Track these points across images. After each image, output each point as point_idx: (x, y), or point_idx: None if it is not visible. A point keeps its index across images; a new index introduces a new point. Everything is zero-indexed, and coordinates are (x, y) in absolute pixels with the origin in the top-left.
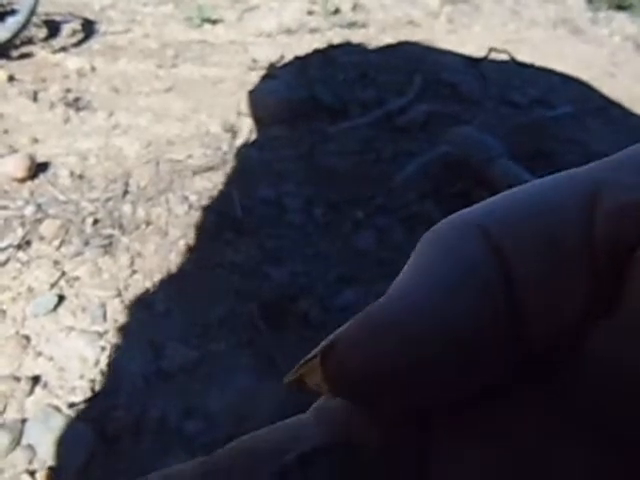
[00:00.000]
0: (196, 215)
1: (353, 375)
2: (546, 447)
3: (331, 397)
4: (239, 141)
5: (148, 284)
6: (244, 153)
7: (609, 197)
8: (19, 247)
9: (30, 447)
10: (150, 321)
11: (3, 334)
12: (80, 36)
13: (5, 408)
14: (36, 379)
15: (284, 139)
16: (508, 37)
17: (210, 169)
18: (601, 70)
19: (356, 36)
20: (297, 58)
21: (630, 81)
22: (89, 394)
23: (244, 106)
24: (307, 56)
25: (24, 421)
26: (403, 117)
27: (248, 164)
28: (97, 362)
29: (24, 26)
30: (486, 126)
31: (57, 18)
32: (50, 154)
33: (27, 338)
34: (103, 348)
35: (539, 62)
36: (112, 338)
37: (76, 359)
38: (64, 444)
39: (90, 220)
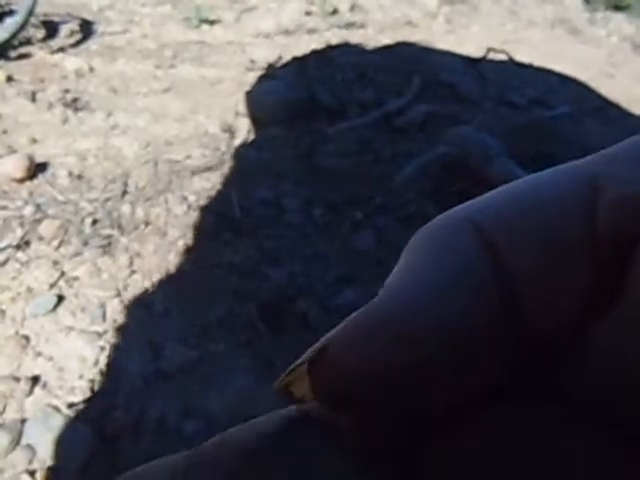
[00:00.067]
0: (195, 215)
1: (346, 378)
2: (546, 446)
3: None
4: (237, 141)
5: (147, 284)
6: (243, 153)
7: (608, 191)
8: (18, 247)
9: (30, 447)
10: (149, 321)
11: (2, 334)
12: (78, 37)
13: (5, 408)
14: (35, 379)
15: (283, 139)
16: (506, 37)
17: (209, 169)
18: (599, 70)
19: (354, 37)
20: (295, 59)
21: (628, 81)
22: (88, 394)
23: (242, 107)
24: (305, 57)
25: (24, 421)
26: (402, 117)
27: (247, 164)
28: (96, 362)
29: (22, 26)
30: (485, 126)
31: (55, 19)
32: (49, 154)
33: (26, 338)
34: (102, 348)
35: (537, 62)
36: (111, 338)
37: (75, 359)
38: (64, 444)
39: (89, 220)
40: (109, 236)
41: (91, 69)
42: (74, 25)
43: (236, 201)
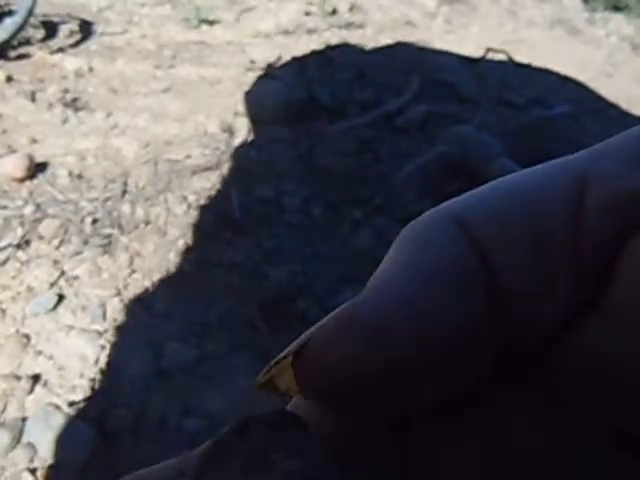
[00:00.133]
0: (195, 215)
1: (328, 373)
2: (540, 446)
3: (300, 400)
4: (237, 141)
5: (147, 283)
6: (242, 153)
7: (596, 187)
8: (18, 246)
9: (31, 445)
10: (149, 320)
11: (3, 333)
12: (78, 37)
13: (5, 407)
14: (36, 378)
15: (282, 139)
16: (505, 37)
17: (208, 169)
18: (598, 70)
19: (354, 37)
20: (295, 59)
21: (627, 81)
22: (89, 393)
23: (242, 106)
24: (305, 57)
25: (24, 419)
26: (401, 117)
27: (246, 164)
28: (97, 361)
29: (22, 27)
30: (484, 126)
31: (55, 19)
32: (49, 154)
33: (27, 337)
34: (103, 347)
35: (536, 62)
36: (112, 337)
37: (76, 358)
38: (64, 442)
39: (89, 220)
40: (109, 235)
41: (91, 69)
42: (73, 25)
43: (236, 201)
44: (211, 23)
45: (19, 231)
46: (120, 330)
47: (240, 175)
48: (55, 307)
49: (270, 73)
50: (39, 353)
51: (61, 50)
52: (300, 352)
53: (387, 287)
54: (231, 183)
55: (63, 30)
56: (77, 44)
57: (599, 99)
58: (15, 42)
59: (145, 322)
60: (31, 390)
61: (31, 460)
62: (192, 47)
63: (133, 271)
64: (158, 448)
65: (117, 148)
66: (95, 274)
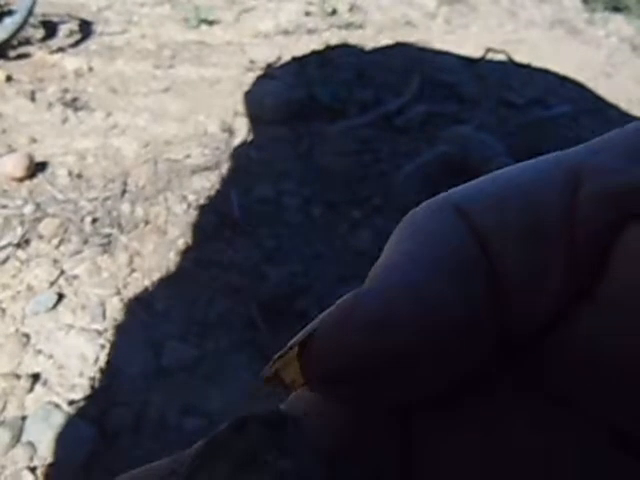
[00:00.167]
0: (194, 214)
1: (333, 363)
2: (538, 446)
3: (301, 392)
4: (237, 141)
5: (147, 283)
6: (242, 153)
7: (591, 178)
8: (18, 246)
9: (30, 444)
10: (149, 319)
11: (3, 332)
12: (77, 37)
13: (5, 405)
14: (36, 377)
15: (282, 139)
16: (505, 38)
17: (208, 169)
18: (598, 71)
19: (353, 37)
20: (294, 59)
21: (627, 82)
22: (89, 392)
23: (242, 106)
24: (304, 57)
25: (24, 418)
26: (401, 117)
27: (246, 164)
28: (97, 360)
29: (21, 27)
30: (484, 126)
31: (54, 19)
32: (48, 154)
33: (27, 336)
34: (102, 346)
35: (536, 62)
36: (111, 336)
37: (76, 357)
38: (64, 441)
39: (89, 219)
40: (109, 235)
41: (90, 69)
42: (73, 25)
43: (236, 200)
44: (211, 23)
45: (19, 230)
46: (120, 329)
47: (240, 175)
48: (55, 306)
49: (270, 73)
50: (39, 352)
51: (61, 50)
52: (305, 342)
53: (389, 275)
54: (231, 183)
55: (63, 30)
56: (77, 44)
57: (599, 99)
58: (15, 42)
59: (145, 321)
60: (31, 389)
61: (31, 459)
62: (192, 47)
63: (133, 270)
64: (158, 447)
65: (117, 148)
66: (95, 273)
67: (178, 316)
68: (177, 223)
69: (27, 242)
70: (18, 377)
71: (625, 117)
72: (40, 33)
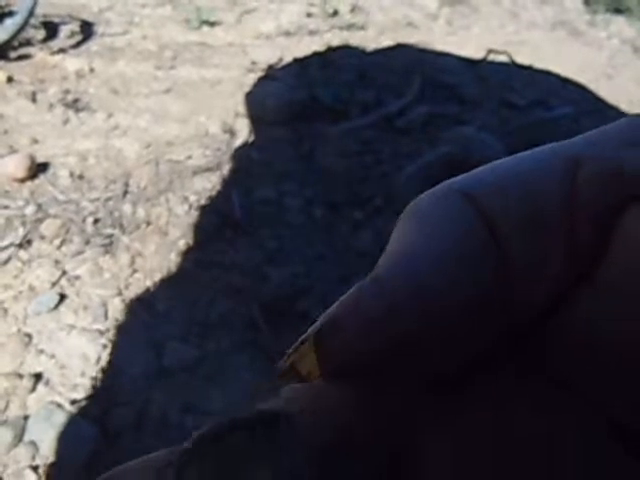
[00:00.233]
0: (196, 215)
1: (348, 349)
2: (539, 431)
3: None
4: (238, 142)
5: (148, 283)
6: (243, 154)
7: (588, 163)
8: (20, 246)
9: (33, 443)
10: (150, 320)
11: (5, 332)
12: (78, 38)
13: (8, 405)
14: (38, 376)
15: (283, 140)
16: (507, 39)
17: (209, 170)
18: (599, 72)
19: (355, 38)
20: (296, 60)
21: (628, 84)
22: (90, 391)
23: (243, 107)
24: (306, 58)
25: (26, 418)
26: (403, 118)
27: (247, 165)
28: (98, 360)
29: (22, 27)
30: (485, 127)
31: (55, 20)
32: (50, 154)
33: (29, 336)
34: (104, 346)
35: (538, 64)
36: (113, 336)
37: (77, 357)
38: (66, 440)
39: (90, 220)
40: (110, 235)
41: (91, 70)
42: (74, 26)
43: (237, 201)
44: (212, 24)
45: (21, 231)
46: (121, 329)
47: (241, 176)
48: (57, 306)
49: (271, 74)
50: (41, 352)
51: (62, 51)
52: (321, 331)
53: (402, 260)
54: (232, 184)
55: (64, 31)
56: (78, 45)
57: (600, 101)
58: (16, 43)
59: (146, 321)
60: (33, 388)
61: (33, 458)
62: (193, 48)
63: (134, 271)
64: (159, 446)
65: (118, 149)
66: (96, 274)
67: (179, 316)
68: (178, 224)
69: (29, 242)
70: (20, 377)
71: None
72: (41, 34)
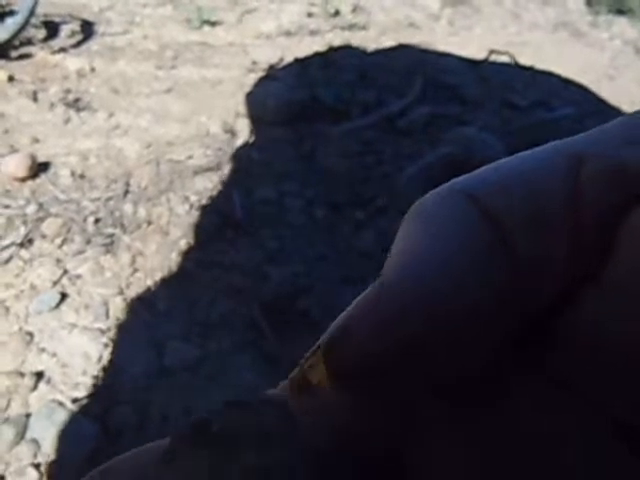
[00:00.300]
0: (197, 215)
1: (364, 355)
2: (541, 430)
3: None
4: (239, 142)
5: (150, 283)
6: (244, 154)
7: (591, 161)
8: (21, 245)
9: (34, 441)
10: (152, 319)
11: (7, 330)
12: (79, 37)
13: (9, 403)
14: (40, 375)
15: (284, 140)
16: (508, 40)
17: (210, 169)
18: (601, 73)
19: (356, 38)
20: (297, 60)
21: (630, 85)
22: (92, 390)
23: (244, 107)
24: (307, 58)
25: (28, 416)
26: (404, 119)
27: (248, 165)
28: (100, 359)
29: (23, 27)
30: (487, 128)
31: (56, 19)
32: (51, 154)
33: (30, 335)
34: (106, 345)
35: (540, 65)
36: (114, 335)
37: (79, 355)
38: (68, 438)
39: (92, 219)
40: (111, 235)
41: (92, 69)
42: (75, 26)
43: (238, 201)
44: (213, 24)
45: (22, 230)
46: (123, 328)
47: (242, 176)
48: (58, 305)
49: (272, 74)
50: (42, 350)
51: (63, 50)
52: (335, 338)
53: (409, 263)
54: (233, 184)
55: (65, 30)
56: (79, 44)
57: (602, 102)
58: (17, 42)
59: (147, 321)
60: (35, 387)
61: (35, 456)
62: (194, 48)
63: (135, 270)
64: None
65: (119, 148)
66: (98, 273)
67: (180, 316)
68: (179, 224)
69: (30, 242)
70: (22, 375)
71: None
72: (42, 33)
